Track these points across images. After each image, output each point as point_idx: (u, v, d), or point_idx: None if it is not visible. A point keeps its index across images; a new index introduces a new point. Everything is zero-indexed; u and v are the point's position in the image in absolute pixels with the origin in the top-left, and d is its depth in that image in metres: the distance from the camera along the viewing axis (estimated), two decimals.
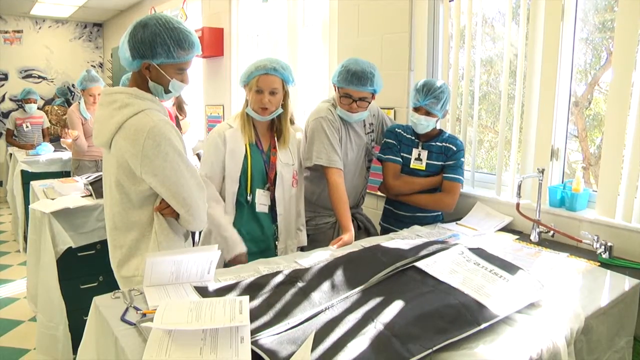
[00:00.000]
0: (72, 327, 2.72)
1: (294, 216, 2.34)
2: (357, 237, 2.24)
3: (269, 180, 2.24)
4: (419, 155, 2.49)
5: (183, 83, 1.78)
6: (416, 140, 2.51)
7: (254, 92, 2.13)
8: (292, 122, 3.18)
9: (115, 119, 1.65)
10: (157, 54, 1.65)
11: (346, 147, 2.46)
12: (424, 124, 2.41)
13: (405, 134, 2.54)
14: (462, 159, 2.48)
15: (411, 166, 2.50)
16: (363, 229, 2.61)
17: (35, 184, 3.45)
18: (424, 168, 2.48)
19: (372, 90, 2.36)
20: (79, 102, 4.38)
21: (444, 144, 2.48)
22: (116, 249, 1.81)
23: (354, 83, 2.30)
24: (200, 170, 2.17)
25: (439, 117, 2.43)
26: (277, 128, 2.28)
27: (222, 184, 2.19)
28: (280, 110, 2.21)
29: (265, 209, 2.23)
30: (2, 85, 8.28)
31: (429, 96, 2.35)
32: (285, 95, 2.21)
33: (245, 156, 2.17)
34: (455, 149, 2.46)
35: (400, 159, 2.52)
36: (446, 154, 2.47)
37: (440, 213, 2.56)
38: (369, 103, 2.40)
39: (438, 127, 2.54)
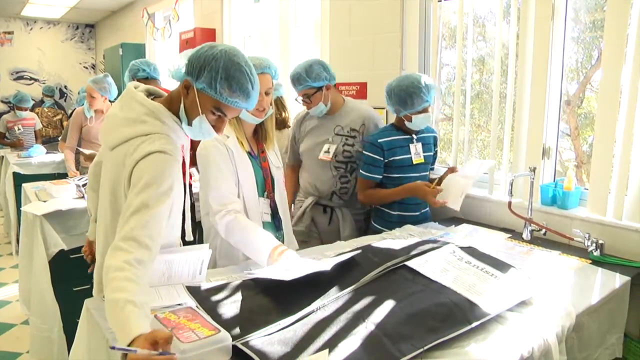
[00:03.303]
0: (67, 329, 2.70)
1: (289, 219, 2.27)
2: (326, 232, 2.60)
3: (267, 187, 2.09)
4: (416, 149, 2.49)
5: (212, 127, 1.52)
6: (409, 136, 2.48)
7: None
8: (287, 126, 3.20)
9: (125, 132, 1.50)
10: (201, 76, 1.44)
11: (310, 139, 2.69)
12: (428, 118, 2.46)
13: (391, 138, 2.45)
14: None
15: (414, 162, 2.47)
16: (336, 223, 2.66)
17: (27, 186, 3.43)
18: (423, 160, 2.49)
19: (309, 86, 2.52)
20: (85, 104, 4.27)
21: (429, 133, 2.56)
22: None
23: (293, 85, 2.57)
24: (220, 191, 1.92)
25: None
26: (263, 129, 2.11)
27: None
28: (271, 111, 2.03)
29: (269, 218, 2.08)
30: None
31: (431, 92, 2.37)
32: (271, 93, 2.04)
33: (250, 166, 2.02)
34: (436, 136, 2.60)
35: (376, 176, 2.46)
36: (434, 144, 2.59)
37: (427, 210, 2.57)
38: (318, 97, 2.55)
39: None
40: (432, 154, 2.57)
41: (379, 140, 2.45)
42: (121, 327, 1.15)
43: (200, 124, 1.49)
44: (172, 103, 1.54)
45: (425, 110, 2.40)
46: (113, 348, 1.08)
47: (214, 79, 1.43)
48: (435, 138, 2.59)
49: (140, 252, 1.30)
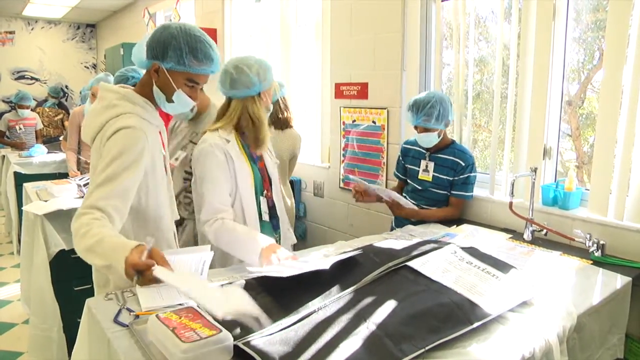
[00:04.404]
0: (67, 329, 2.71)
1: (286, 217, 2.24)
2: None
3: (265, 187, 2.09)
4: (427, 166, 2.53)
5: (190, 98, 1.65)
6: (424, 151, 2.55)
7: (268, 94, 1.99)
8: (289, 126, 3.19)
9: (100, 119, 1.59)
10: (168, 56, 1.56)
11: (171, 144, 2.49)
12: (426, 140, 2.46)
13: (413, 147, 2.61)
14: (472, 174, 2.48)
15: (419, 177, 2.56)
16: (185, 235, 2.47)
17: (28, 186, 3.43)
18: (430, 179, 2.51)
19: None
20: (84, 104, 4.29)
21: (453, 157, 2.48)
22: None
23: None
24: (212, 197, 1.92)
25: (440, 129, 2.44)
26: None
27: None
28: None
29: (267, 218, 2.07)
30: None
31: (420, 114, 2.39)
32: None
33: (249, 170, 2.01)
34: (463, 164, 2.46)
35: (400, 176, 2.70)
36: (455, 169, 2.47)
37: None
38: None
39: (450, 138, 2.58)
40: (449, 178, 2.48)
41: (403, 144, 2.71)
42: (114, 251, 1.31)
43: (178, 98, 1.63)
44: (142, 88, 1.66)
45: (416, 128, 2.46)
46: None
47: (180, 56, 1.56)
48: (457, 164, 2.46)
49: (105, 218, 1.43)
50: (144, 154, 1.56)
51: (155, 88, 1.63)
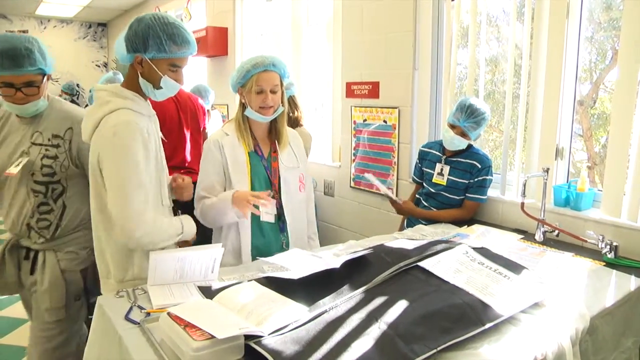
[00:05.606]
0: None
1: (304, 223, 2.20)
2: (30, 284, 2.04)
3: (273, 187, 2.07)
4: (441, 170, 2.51)
5: (176, 82, 1.73)
6: (441, 155, 2.54)
7: (254, 93, 1.97)
8: (299, 125, 3.20)
9: (95, 117, 1.66)
10: (149, 46, 1.62)
11: (4, 151, 1.97)
12: (456, 144, 2.43)
13: (431, 151, 2.61)
14: (488, 177, 2.45)
15: (433, 180, 2.54)
16: (40, 274, 2.03)
17: None
18: (444, 183, 2.49)
19: (40, 70, 1.86)
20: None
21: (470, 160, 2.46)
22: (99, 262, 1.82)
23: (10, 66, 1.79)
24: (198, 186, 2.04)
25: (472, 140, 2.43)
26: (275, 129, 2.12)
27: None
28: (281, 109, 2.05)
29: (272, 219, 2.03)
30: None
31: (471, 119, 2.36)
32: (283, 92, 2.06)
33: (245, 164, 2.03)
34: (480, 166, 2.43)
35: (417, 180, 2.71)
36: (471, 172, 2.45)
37: None
38: (42, 88, 1.90)
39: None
40: (464, 181, 2.45)
41: (421, 147, 2.71)
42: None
43: (166, 84, 1.71)
44: (129, 82, 1.73)
45: (452, 126, 2.42)
46: None
47: (160, 43, 1.63)
48: (474, 166, 2.43)
49: (145, 216, 1.61)
50: (142, 146, 1.65)
51: (141, 79, 1.70)
